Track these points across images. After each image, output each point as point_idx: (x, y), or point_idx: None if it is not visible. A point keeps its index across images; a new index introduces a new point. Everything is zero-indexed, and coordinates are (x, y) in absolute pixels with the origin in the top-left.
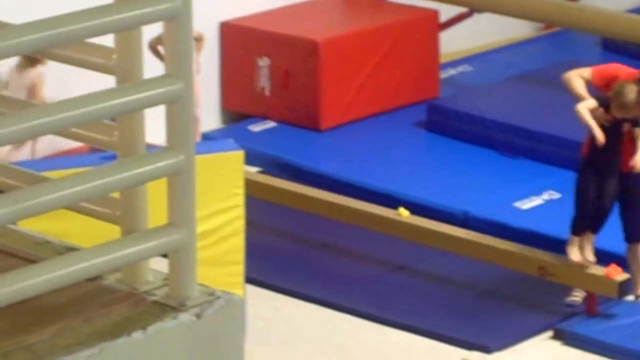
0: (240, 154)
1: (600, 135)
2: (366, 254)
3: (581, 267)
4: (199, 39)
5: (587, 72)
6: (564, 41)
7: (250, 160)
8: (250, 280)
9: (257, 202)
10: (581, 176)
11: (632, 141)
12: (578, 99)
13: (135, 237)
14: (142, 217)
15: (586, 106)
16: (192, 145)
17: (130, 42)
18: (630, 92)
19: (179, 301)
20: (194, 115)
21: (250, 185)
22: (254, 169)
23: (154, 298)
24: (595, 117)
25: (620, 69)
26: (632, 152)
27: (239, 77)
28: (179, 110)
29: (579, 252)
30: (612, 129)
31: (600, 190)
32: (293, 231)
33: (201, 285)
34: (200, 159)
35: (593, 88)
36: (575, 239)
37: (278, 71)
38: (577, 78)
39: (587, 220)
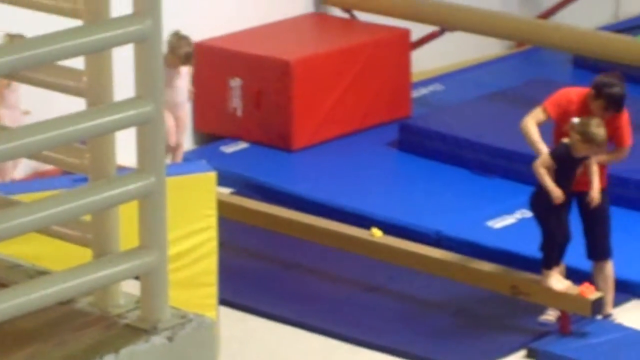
0: (212, 175)
1: (558, 195)
2: (339, 274)
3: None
4: (187, 58)
5: (539, 111)
6: (535, 59)
7: (222, 181)
8: (223, 301)
9: (229, 223)
10: (552, 217)
11: (586, 167)
12: (534, 149)
13: (107, 260)
14: (114, 240)
15: (543, 164)
16: (163, 168)
17: (101, 64)
18: (598, 127)
19: (151, 324)
20: (178, 142)
21: (223, 207)
22: (226, 190)
23: (126, 321)
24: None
25: (570, 92)
26: (586, 173)
27: (212, 98)
28: (150, 132)
29: (559, 280)
30: (571, 167)
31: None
32: (266, 252)
33: (173, 307)
34: (173, 181)
35: (554, 122)
36: (552, 272)
37: (250, 92)
38: (533, 126)
39: (561, 254)
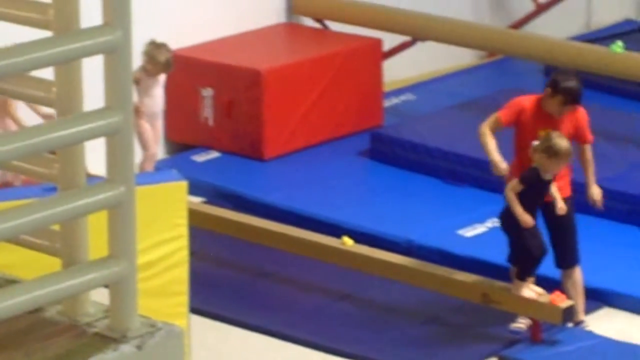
0: (183, 184)
1: (528, 221)
2: (310, 283)
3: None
4: (168, 64)
5: (494, 120)
6: (506, 69)
7: (193, 190)
8: (194, 310)
9: (201, 232)
10: (525, 233)
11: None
12: (489, 159)
13: (76, 269)
14: (83, 250)
15: (513, 189)
16: (132, 177)
17: (70, 74)
18: (560, 138)
19: (120, 333)
20: (152, 153)
21: (194, 216)
22: (197, 199)
23: (95, 330)
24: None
25: (522, 100)
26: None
27: (183, 108)
28: (119, 142)
29: (530, 289)
30: (541, 190)
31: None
32: (237, 261)
33: (142, 316)
34: (144, 190)
35: (508, 128)
36: (525, 282)
37: (222, 101)
38: (489, 135)
39: (536, 267)
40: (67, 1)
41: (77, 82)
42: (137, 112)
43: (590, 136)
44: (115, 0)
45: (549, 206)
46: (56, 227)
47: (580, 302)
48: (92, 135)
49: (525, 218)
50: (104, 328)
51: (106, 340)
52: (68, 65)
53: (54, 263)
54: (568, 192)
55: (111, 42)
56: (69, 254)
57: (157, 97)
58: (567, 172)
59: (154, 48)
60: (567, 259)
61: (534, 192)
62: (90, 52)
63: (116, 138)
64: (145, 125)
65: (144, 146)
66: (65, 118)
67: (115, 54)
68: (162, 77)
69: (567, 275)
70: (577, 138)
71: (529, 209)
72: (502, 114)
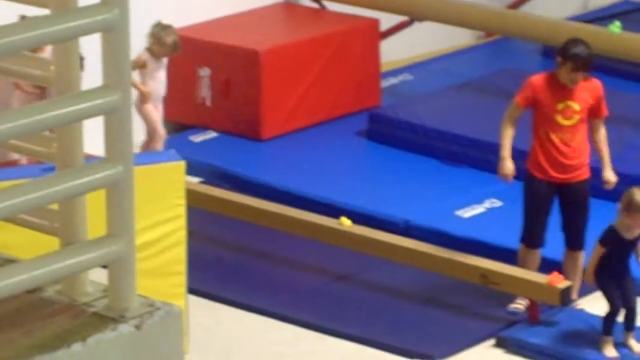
0: (181, 164)
1: (589, 280)
2: (308, 263)
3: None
4: (175, 46)
5: (513, 105)
6: (504, 49)
7: (191, 170)
8: (192, 290)
9: (198, 212)
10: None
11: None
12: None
13: (74, 248)
14: (81, 229)
15: (596, 253)
16: (130, 157)
17: (68, 53)
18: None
19: (119, 312)
20: (161, 134)
21: (192, 196)
22: (195, 180)
23: (93, 309)
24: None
25: (534, 79)
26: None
27: (180, 88)
28: (117, 121)
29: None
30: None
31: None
32: (235, 241)
33: (141, 296)
34: (142, 170)
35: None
36: (609, 338)
37: (219, 81)
38: (507, 126)
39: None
40: None
41: (74, 60)
42: (143, 96)
43: (605, 110)
44: None
45: (565, 187)
46: (55, 207)
47: (577, 283)
48: (90, 113)
49: (589, 278)
50: (102, 308)
51: (105, 319)
52: (66, 44)
53: (53, 243)
54: (587, 174)
55: (109, 21)
56: (68, 234)
57: (161, 80)
58: (588, 155)
59: (161, 29)
60: (577, 240)
61: (619, 253)
62: (88, 31)
63: (114, 117)
64: (151, 108)
65: (152, 128)
66: (63, 96)
67: (113, 33)
68: (165, 61)
69: (571, 257)
70: (593, 111)
71: (616, 270)
72: (519, 97)
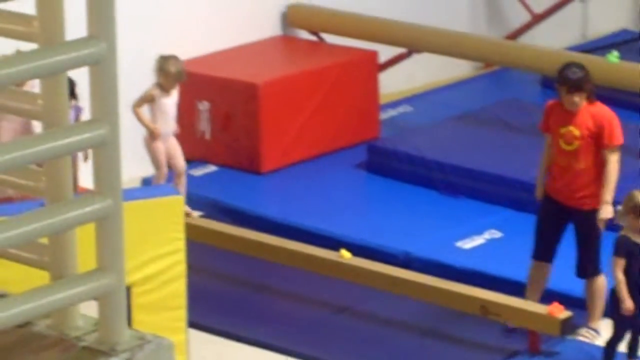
0: (180, 198)
1: (630, 307)
2: (308, 296)
3: None
4: (180, 75)
5: (545, 140)
6: (503, 80)
7: (191, 204)
8: (192, 324)
9: (198, 246)
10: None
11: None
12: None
13: (64, 282)
14: (71, 262)
15: (617, 267)
16: (119, 190)
17: (56, 87)
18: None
19: (110, 346)
20: (179, 169)
21: (192, 230)
22: (195, 213)
23: (84, 343)
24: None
25: (549, 104)
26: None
27: (180, 121)
28: (106, 154)
29: None
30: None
31: None
32: (235, 274)
33: (131, 329)
34: (141, 204)
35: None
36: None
37: (218, 115)
38: (544, 155)
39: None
40: (52, 13)
41: (62, 94)
42: (152, 133)
43: (613, 140)
44: (100, 12)
45: (574, 214)
46: (44, 241)
47: (593, 311)
48: (79, 147)
49: (628, 304)
50: (93, 341)
51: (95, 353)
52: (54, 78)
53: (44, 277)
54: (593, 204)
55: (96, 54)
56: (58, 267)
57: (172, 115)
58: (598, 185)
59: (164, 61)
60: (580, 268)
61: (636, 262)
62: (75, 65)
63: (103, 150)
64: (159, 146)
65: (157, 166)
66: (52, 130)
67: (100, 66)
68: (175, 95)
69: (586, 285)
70: (597, 139)
71: (636, 283)
72: (540, 124)
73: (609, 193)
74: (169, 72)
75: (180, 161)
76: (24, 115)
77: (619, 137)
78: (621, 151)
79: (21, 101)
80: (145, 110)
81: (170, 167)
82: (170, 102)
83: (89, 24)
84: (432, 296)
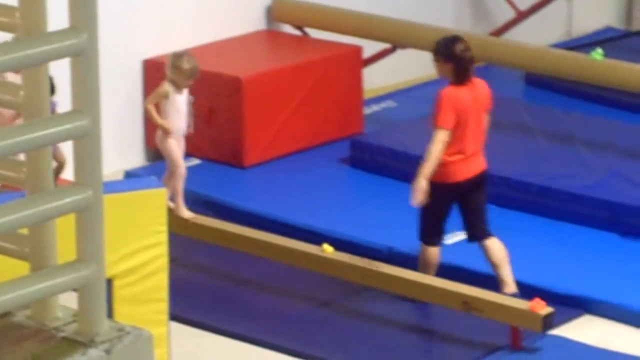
0: (163, 191)
1: None
2: (290, 290)
3: None
4: (193, 72)
5: None
6: (487, 76)
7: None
8: (174, 317)
9: (181, 239)
10: None
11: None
12: None
13: (44, 273)
14: (51, 253)
15: None
16: (100, 181)
17: (37, 78)
18: None
19: (89, 337)
20: (181, 171)
21: (175, 223)
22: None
23: (63, 334)
24: None
25: None
26: None
27: (158, 111)
28: (87, 146)
29: None
30: None
31: None
32: (217, 268)
33: (111, 321)
34: (123, 197)
35: None
36: None
37: (202, 108)
38: None
39: None
40: (34, 4)
41: (44, 85)
42: (165, 131)
43: (435, 120)
44: (82, 3)
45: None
46: (25, 231)
47: (505, 272)
48: (60, 138)
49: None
50: (72, 332)
51: (75, 344)
52: (35, 69)
53: (24, 268)
54: (437, 176)
55: (78, 46)
56: (38, 258)
57: (184, 113)
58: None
59: (176, 58)
60: (474, 233)
61: None
62: (56, 56)
63: (84, 141)
64: (174, 144)
65: (174, 164)
66: (33, 121)
67: (82, 57)
68: (186, 93)
69: (484, 248)
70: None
71: None
72: None
73: (426, 167)
74: (183, 69)
75: (184, 165)
76: (5, 105)
77: (437, 119)
78: (606, 148)
79: (3, 92)
80: (153, 110)
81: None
82: (183, 99)
83: (70, 15)
84: (413, 291)
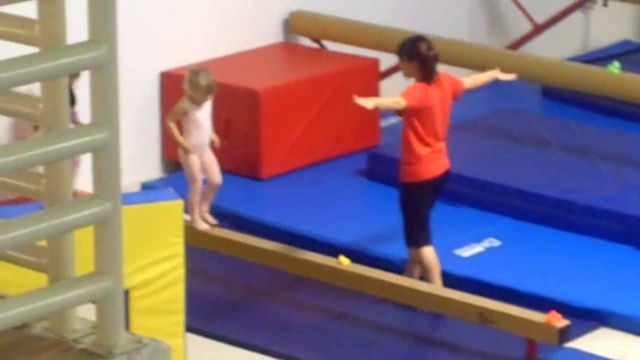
0: (180, 203)
1: None
2: (307, 302)
3: None
4: (210, 87)
5: None
6: (504, 89)
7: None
8: (191, 329)
9: (197, 251)
10: None
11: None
12: None
13: (62, 285)
14: (69, 265)
15: None
16: (118, 194)
17: (57, 90)
18: None
19: (107, 349)
20: (216, 183)
21: (191, 235)
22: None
23: (81, 346)
24: None
25: None
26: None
27: (180, 127)
28: (106, 158)
29: None
30: None
31: None
32: (234, 280)
33: (129, 333)
34: (140, 209)
35: None
36: None
37: (219, 121)
38: None
39: None
40: (53, 17)
41: (63, 98)
42: (185, 148)
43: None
44: (101, 16)
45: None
46: (43, 243)
47: (436, 281)
48: (79, 151)
49: None
50: (90, 344)
51: (93, 356)
52: (54, 81)
53: (43, 280)
54: (405, 177)
55: (97, 58)
56: (56, 270)
57: (206, 127)
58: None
59: (194, 75)
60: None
61: None
62: (76, 68)
63: (102, 154)
64: (195, 159)
65: (191, 178)
66: (52, 133)
67: (101, 70)
68: (208, 106)
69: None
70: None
71: None
72: None
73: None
74: (200, 85)
75: (215, 175)
76: (24, 118)
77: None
78: (622, 161)
79: (22, 105)
80: (174, 127)
81: (205, 180)
82: (203, 114)
83: (90, 28)
84: (429, 303)
